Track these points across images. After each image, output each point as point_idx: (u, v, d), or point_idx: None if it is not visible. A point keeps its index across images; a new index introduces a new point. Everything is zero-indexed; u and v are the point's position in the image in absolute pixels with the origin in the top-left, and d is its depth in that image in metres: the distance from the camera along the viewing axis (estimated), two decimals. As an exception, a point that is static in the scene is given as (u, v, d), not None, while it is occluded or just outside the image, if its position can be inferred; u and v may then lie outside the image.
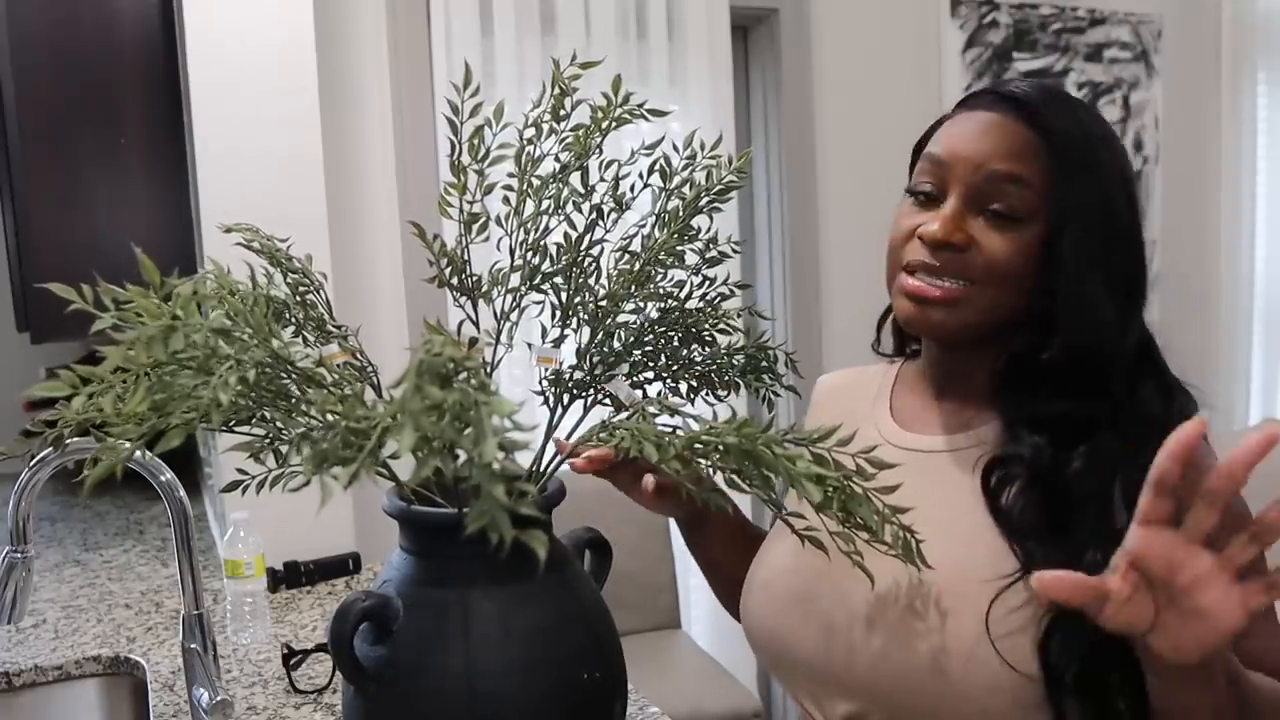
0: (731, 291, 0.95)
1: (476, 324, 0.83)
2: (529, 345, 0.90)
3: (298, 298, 0.83)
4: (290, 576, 1.71)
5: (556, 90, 0.83)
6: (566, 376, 0.88)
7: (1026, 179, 0.79)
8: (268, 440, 0.70)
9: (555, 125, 0.84)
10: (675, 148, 0.88)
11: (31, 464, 1.04)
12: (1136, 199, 0.83)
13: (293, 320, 0.81)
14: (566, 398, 0.88)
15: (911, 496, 0.72)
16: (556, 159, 0.85)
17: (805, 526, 0.75)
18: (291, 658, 1.31)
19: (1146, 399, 0.79)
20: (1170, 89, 3.15)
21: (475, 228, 0.82)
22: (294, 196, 1.76)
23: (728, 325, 0.94)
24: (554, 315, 0.87)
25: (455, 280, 0.83)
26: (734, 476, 0.71)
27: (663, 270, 0.88)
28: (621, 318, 0.88)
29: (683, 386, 0.93)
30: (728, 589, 1.01)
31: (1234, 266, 3.26)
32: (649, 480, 0.88)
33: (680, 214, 0.87)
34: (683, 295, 0.92)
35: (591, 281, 0.87)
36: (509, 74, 2.28)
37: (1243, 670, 0.68)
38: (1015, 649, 0.73)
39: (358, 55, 2.19)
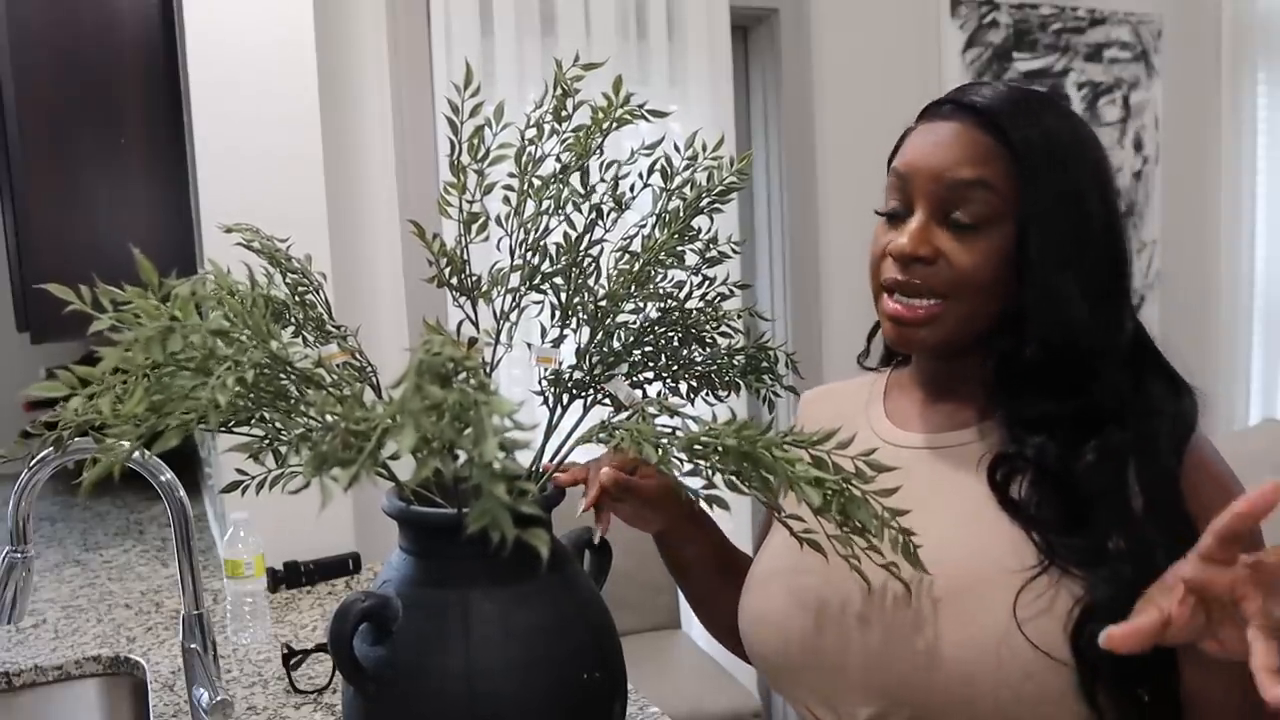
0: (731, 292, 0.95)
1: (476, 324, 0.83)
2: (529, 345, 0.90)
3: (297, 298, 0.83)
4: (290, 576, 1.71)
5: (559, 91, 0.83)
6: (566, 376, 0.88)
7: (989, 182, 0.79)
8: (267, 441, 0.70)
9: (557, 126, 0.84)
10: (676, 148, 0.88)
11: (31, 464, 1.04)
12: (1113, 196, 0.82)
13: (292, 320, 0.81)
14: (566, 398, 0.88)
15: (921, 490, 0.72)
16: (558, 159, 0.84)
17: (804, 529, 0.75)
18: (291, 658, 1.31)
19: (1155, 395, 0.80)
20: (1170, 89, 3.15)
21: (475, 228, 0.82)
22: (294, 196, 1.75)
23: (728, 326, 0.94)
24: (554, 315, 0.87)
25: (455, 280, 0.83)
26: (733, 478, 0.71)
27: (663, 270, 0.88)
28: (621, 318, 0.88)
29: (682, 387, 0.92)
30: (713, 617, 1.02)
31: (1234, 266, 3.26)
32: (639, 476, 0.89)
33: (681, 214, 0.87)
34: (683, 295, 0.92)
35: (591, 281, 0.87)
36: (509, 74, 2.28)
37: None
38: (1046, 635, 0.73)
39: (358, 55, 2.19)
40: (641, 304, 0.89)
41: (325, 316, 0.85)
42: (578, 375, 0.88)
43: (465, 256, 0.83)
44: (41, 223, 1.77)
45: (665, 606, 2.50)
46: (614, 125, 0.84)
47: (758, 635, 0.89)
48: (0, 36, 1.72)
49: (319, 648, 1.36)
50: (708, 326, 0.93)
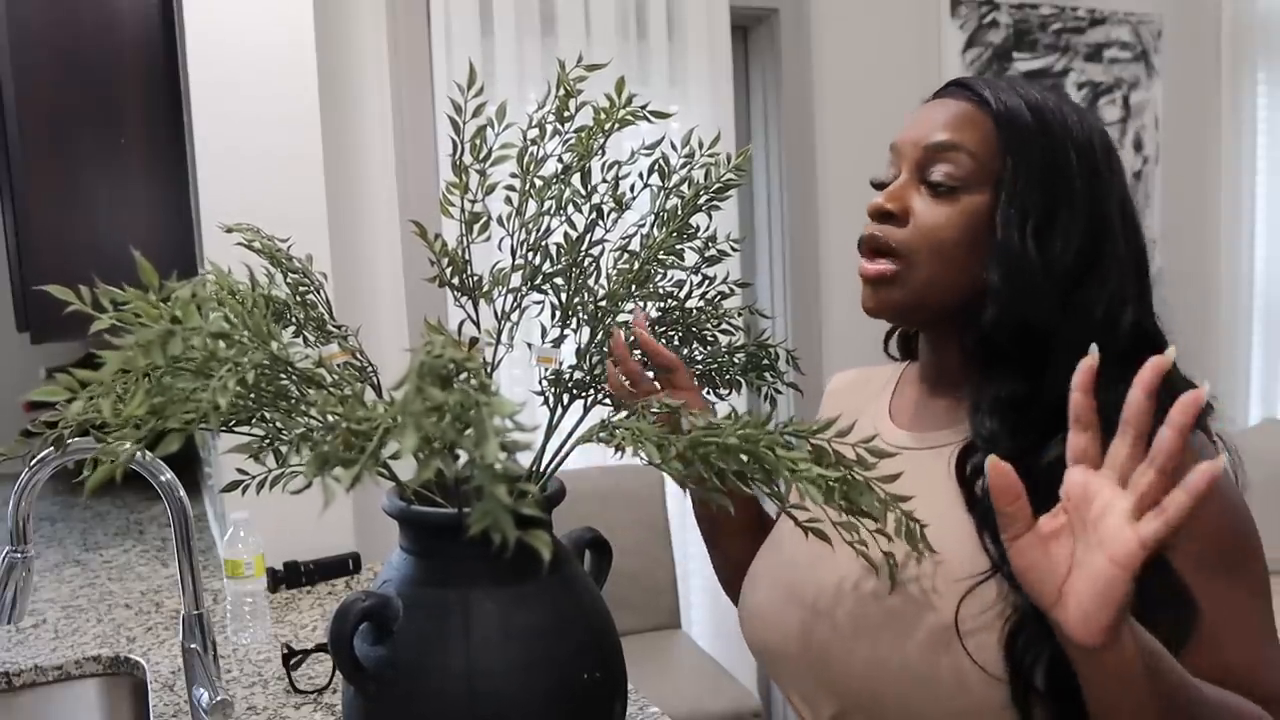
0: (731, 290, 0.95)
1: (477, 324, 0.83)
2: (529, 345, 0.90)
3: (298, 298, 0.83)
4: (290, 576, 1.71)
5: (561, 91, 0.83)
6: (566, 376, 0.88)
7: (962, 145, 0.79)
8: (267, 441, 0.70)
9: (560, 126, 0.84)
10: (674, 146, 0.88)
11: (31, 464, 1.04)
12: (1098, 170, 0.80)
13: (293, 320, 0.81)
14: (566, 398, 0.88)
15: (899, 492, 0.71)
16: (559, 159, 0.84)
17: (808, 517, 0.75)
18: (291, 658, 1.31)
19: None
20: (1170, 89, 3.15)
21: (476, 228, 0.82)
22: (294, 196, 1.75)
23: (728, 324, 0.94)
24: (554, 315, 0.87)
25: (456, 280, 0.83)
26: (735, 477, 0.71)
27: (662, 269, 0.88)
28: (621, 317, 0.88)
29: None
30: (729, 576, 1.01)
31: (1234, 266, 3.26)
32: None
33: (679, 212, 0.87)
34: (683, 294, 0.92)
35: (591, 281, 0.87)
36: (509, 74, 2.28)
37: (1188, 683, 0.65)
38: (983, 648, 0.72)
39: (358, 55, 2.19)
40: (642, 303, 0.89)
41: (326, 316, 0.85)
42: (578, 375, 0.88)
43: (466, 256, 0.83)
44: (41, 223, 1.77)
45: (665, 606, 2.50)
46: (616, 126, 0.84)
47: (749, 626, 0.90)
48: (0, 36, 1.72)
49: (319, 648, 1.36)
50: (708, 325, 0.93)
